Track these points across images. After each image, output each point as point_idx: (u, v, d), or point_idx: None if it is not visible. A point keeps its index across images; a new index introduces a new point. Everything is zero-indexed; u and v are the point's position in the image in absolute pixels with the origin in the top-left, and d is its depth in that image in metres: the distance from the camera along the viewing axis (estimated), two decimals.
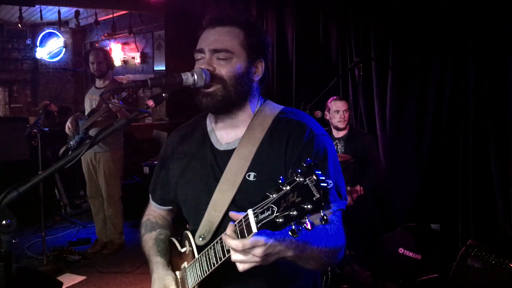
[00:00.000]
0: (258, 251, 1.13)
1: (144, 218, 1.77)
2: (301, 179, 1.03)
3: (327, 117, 4.14)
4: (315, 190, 1.01)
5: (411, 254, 3.80)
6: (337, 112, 4.05)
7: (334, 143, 3.60)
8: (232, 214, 1.22)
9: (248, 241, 1.12)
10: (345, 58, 4.98)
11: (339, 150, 4.05)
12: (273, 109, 1.53)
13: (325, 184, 1.01)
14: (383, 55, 4.54)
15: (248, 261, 1.16)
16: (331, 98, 4.17)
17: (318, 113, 4.00)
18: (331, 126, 4.14)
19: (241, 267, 1.18)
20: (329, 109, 4.12)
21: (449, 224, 4.08)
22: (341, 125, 4.07)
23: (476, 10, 3.78)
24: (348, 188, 3.83)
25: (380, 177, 4.08)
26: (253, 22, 1.51)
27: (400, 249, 3.86)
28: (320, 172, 1.02)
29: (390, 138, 4.57)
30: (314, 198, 1.00)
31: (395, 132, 4.54)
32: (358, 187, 3.82)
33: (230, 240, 1.15)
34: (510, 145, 3.66)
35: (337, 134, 4.12)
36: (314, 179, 1.01)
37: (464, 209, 3.96)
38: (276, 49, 5.65)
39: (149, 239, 1.68)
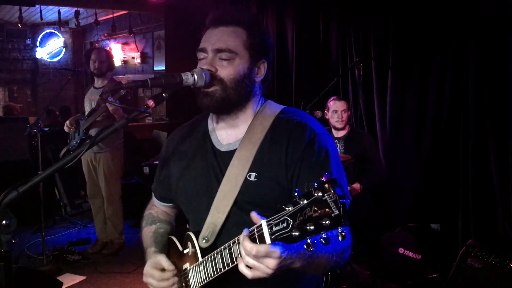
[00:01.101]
0: (272, 262, 1.12)
1: (146, 212, 1.78)
2: (319, 194, 1.02)
3: (327, 117, 4.14)
4: (334, 207, 1.00)
5: (411, 254, 3.80)
6: (335, 112, 4.06)
7: None
8: (253, 215, 1.19)
9: (264, 248, 1.11)
10: (345, 58, 4.98)
11: (339, 150, 4.05)
12: (273, 109, 1.53)
13: (344, 201, 1.01)
14: (383, 55, 4.54)
15: (259, 269, 1.14)
16: (331, 98, 4.17)
17: (318, 113, 4.00)
18: (331, 126, 4.14)
19: (250, 274, 1.16)
20: (328, 109, 4.13)
21: (449, 224, 4.08)
22: (338, 125, 4.07)
23: (476, 10, 3.78)
24: (348, 188, 3.83)
25: (380, 177, 4.08)
26: (256, 22, 1.51)
27: (400, 249, 3.86)
28: (339, 189, 1.02)
29: (390, 138, 4.57)
30: (333, 215, 1.00)
31: (395, 132, 4.54)
32: (357, 185, 3.82)
33: (247, 242, 1.13)
34: (510, 145, 3.66)
35: (337, 134, 4.12)
36: (333, 195, 1.01)
37: (464, 209, 3.96)
38: (276, 49, 5.64)
39: (148, 232, 1.69)
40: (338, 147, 4.07)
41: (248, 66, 1.45)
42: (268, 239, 1.10)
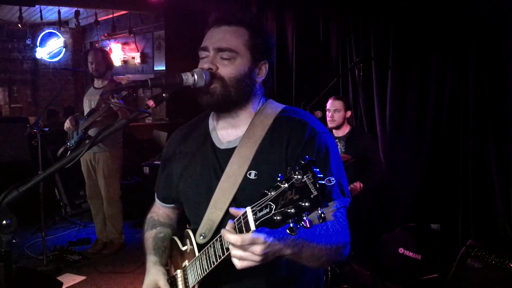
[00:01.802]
0: (258, 248, 1.13)
1: (149, 215, 1.79)
2: (299, 177, 1.02)
3: None
4: (313, 188, 1.00)
5: (411, 254, 3.80)
6: (328, 111, 4.06)
7: None
8: (233, 210, 1.22)
9: (248, 236, 1.11)
10: (345, 58, 4.98)
11: (340, 150, 4.04)
12: (274, 108, 1.53)
13: (323, 182, 1.00)
14: (383, 55, 4.54)
15: (247, 258, 1.15)
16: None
17: (318, 113, 3.99)
18: None
19: (239, 264, 1.17)
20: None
21: (449, 224, 4.09)
22: (329, 124, 4.04)
23: (476, 10, 3.79)
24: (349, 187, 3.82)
25: (380, 177, 4.07)
26: (258, 22, 1.52)
27: (400, 249, 3.86)
28: (318, 170, 1.01)
29: (390, 138, 4.57)
30: (311, 196, 1.00)
31: (395, 132, 4.54)
32: (357, 184, 3.81)
33: (229, 235, 1.15)
34: (510, 145, 3.66)
35: (337, 133, 4.11)
36: (312, 176, 1.01)
37: (464, 209, 3.96)
38: (276, 49, 5.64)
39: (149, 237, 1.69)
40: (339, 147, 4.06)
41: (249, 66, 1.45)
42: (252, 225, 1.11)
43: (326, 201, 1.00)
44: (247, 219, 1.12)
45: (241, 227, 1.15)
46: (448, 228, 4.09)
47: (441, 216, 4.16)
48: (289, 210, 1.03)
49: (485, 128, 3.79)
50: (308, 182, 1.01)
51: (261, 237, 1.12)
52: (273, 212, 1.06)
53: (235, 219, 1.18)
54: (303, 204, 1.01)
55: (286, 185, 1.05)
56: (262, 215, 1.09)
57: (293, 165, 1.06)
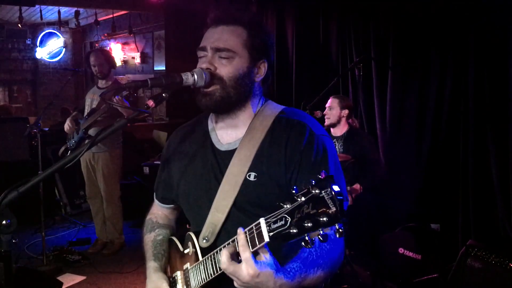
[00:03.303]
0: (245, 276, 1.16)
1: (148, 217, 1.78)
2: (316, 191, 1.03)
3: None
4: (331, 203, 1.01)
5: (411, 254, 3.80)
6: (326, 108, 4.07)
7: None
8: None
9: (237, 267, 1.16)
10: (345, 58, 4.99)
11: (338, 150, 4.04)
12: (274, 109, 1.52)
13: (341, 197, 1.01)
14: (383, 55, 4.54)
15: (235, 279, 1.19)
16: None
17: (318, 113, 4.00)
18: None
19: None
20: None
21: (449, 224, 4.09)
22: (325, 122, 4.06)
23: (476, 10, 3.79)
24: (348, 188, 3.83)
25: (380, 177, 4.07)
26: (257, 22, 1.51)
27: (400, 249, 3.86)
28: (336, 185, 1.03)
29: (390, 138, 4.57)
30: (330, 211, 1.01)
31: (395, 132, 4.54)
32: (357, 186, 3.82)
33: (223, 258, 1.19)
34: (510, 145, 3.66)
35: (335, 133, 4.10)
36: (330, 192, 1.02)
37: (464, 209, 3.96)
38: (276, 49, 5.64)
39: (148, 241, 1.69)
40: (337, 147, 4.06)
41: (247, 66, 1.45)
42: (266, 237, 1.11)
43: (343, 217, 1.01)
44: (260, 229, 1.12)
45: (253, 237, 1.15)
46: (448, 228, 4.09)
47: (441, 216, 4.16)
48: (306, 224, 1.04)
49: (485, 128, 3.79)
50: (326, 198, 1.02)
51: (252, 265, 1.14)
52: (288, 224, 1.06)
53: (247, 229, 1.18)
54: (321, 219, 1.02)
55: (303, 199, 1.05)
56: (277, 227, 1.09)
57: (309, 180, 1.07)
